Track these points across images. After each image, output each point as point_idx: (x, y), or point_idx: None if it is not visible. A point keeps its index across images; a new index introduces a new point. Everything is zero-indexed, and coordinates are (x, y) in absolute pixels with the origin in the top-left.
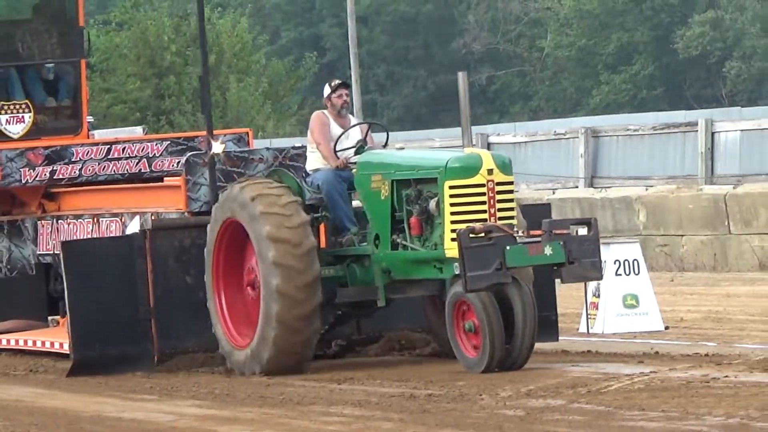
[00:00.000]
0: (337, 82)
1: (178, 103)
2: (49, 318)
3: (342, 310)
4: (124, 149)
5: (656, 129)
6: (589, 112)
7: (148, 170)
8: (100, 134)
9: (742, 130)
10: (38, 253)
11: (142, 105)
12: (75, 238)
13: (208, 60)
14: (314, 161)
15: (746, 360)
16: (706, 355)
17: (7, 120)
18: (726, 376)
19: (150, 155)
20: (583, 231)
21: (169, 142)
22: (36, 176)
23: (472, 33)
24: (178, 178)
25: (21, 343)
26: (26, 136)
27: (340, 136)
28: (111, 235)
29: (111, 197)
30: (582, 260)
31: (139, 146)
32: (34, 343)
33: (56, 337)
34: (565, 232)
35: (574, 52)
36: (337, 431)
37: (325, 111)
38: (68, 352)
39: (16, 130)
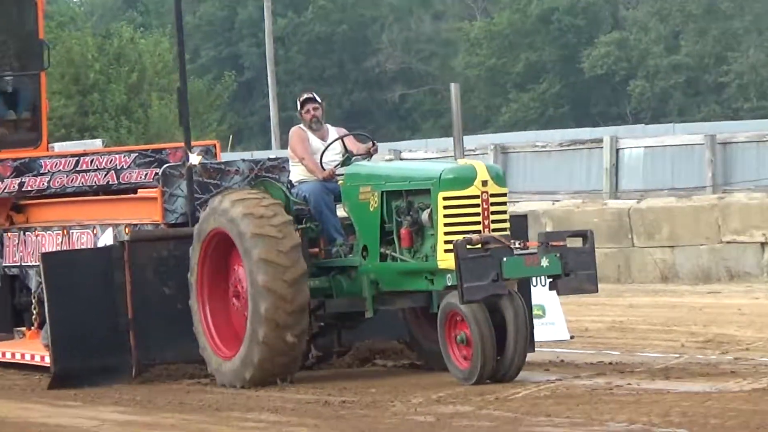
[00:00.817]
0: (305, 96)
1: (102, 119)
2: (15, 329)
3: (324, 321)
4: (92, 161)
5: (563, 145)
6: (498, 129)
7: (116, 182)
8: (60, 147)
9: (645, 147)
10: (4, 265)
11: (67, 122)
12: (44, 249)
13: (131, 78)
14: (298, 173)
15: (648, 368)
16: (610, 363)
17: None
18: (629, 384)
19: (118, 167)
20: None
21: (137, 154)
22: (4, 188)
23: (386, 53)
24: (153, 189)
25: (10, 356)
26: None
27: (324, 151)
28: (82, 246)
29: (82, 209)
30: (578, 272)
31: (107, 158)
32: (13, 355)
33: (29, 349)
34: (561, 243)
35: (484, 71)
36: None
37: (302, 126)
38: (47, 365)
39: None
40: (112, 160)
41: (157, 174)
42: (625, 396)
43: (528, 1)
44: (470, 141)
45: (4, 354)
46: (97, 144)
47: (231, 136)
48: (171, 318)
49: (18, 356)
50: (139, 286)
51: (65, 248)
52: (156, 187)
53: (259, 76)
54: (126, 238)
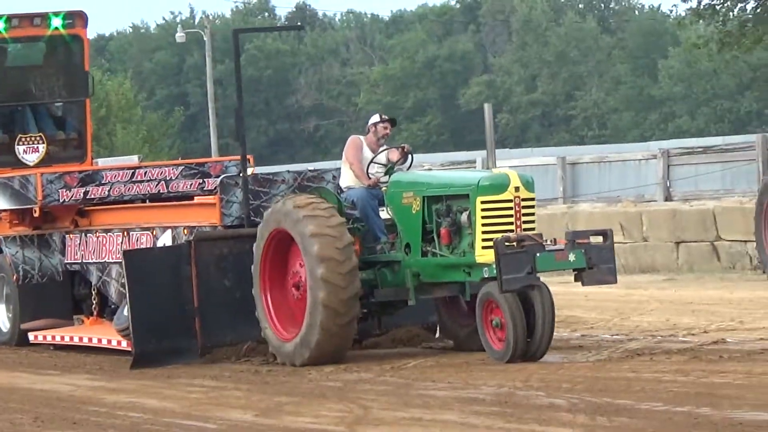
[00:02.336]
0: (388, 117)
1: None
2: (75, 317)
3: (366, 309)
4: (145, 173)
5: (444, 166)
6: None
7: (166, 191)
8: (102, 162)
9: (509, 167)
10: (66, 261)
11: None
12: (105, 249)
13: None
14: (347, 179)
15: None
16: None
17: (24, 150)
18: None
19: (167, 178)
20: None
21: (183, 167)
22: (72, 196)
23: (303, 91)
24: (211, 196)
25: (76, 340)
26: (40, 164)
27: (370, 162)
28: (141, 246)
29: (141, 213)
30: (600, 266)
31: (159, 170)
32: (90, 339)
33: (97, 334)
34: (585, 241)
35: (381, 106)
36: (198, 398)
37: (360, 136)
38: (119, 348)
39: (31, 158)
40: (162, 172)
41: (201, 183)
42: (495, 366)
43: (415, 50)
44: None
45: (81, 339)
46: (134, 159)
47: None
48: (230, 306)
49: (95, 341)
50: (203, 279)
51: (125, 247)
52: (205, 195)
53: (202, 110)
54: (185, 238)
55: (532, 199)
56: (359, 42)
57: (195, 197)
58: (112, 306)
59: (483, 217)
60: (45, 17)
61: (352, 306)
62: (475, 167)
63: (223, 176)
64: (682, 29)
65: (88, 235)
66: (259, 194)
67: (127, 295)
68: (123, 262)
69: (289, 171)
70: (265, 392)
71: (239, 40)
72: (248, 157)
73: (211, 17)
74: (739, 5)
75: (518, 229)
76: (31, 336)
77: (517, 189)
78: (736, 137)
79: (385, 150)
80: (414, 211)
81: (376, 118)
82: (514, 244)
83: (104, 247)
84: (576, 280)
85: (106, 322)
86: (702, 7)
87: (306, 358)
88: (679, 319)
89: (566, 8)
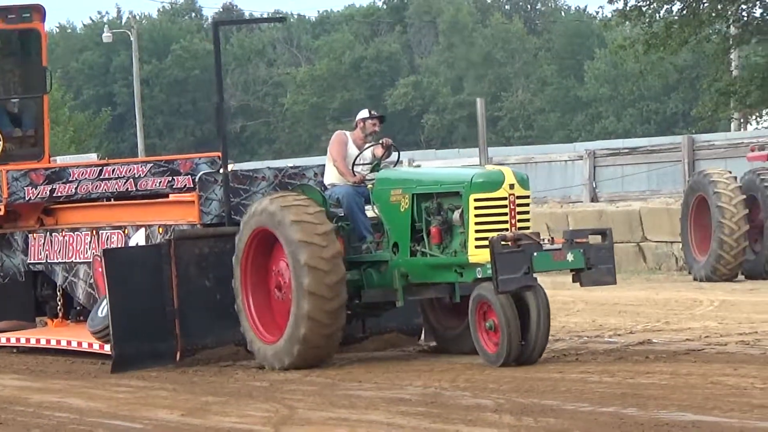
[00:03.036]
0: (376, 114)
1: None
2: (37, 319)
3: (350, 310)
4: (113, 170)
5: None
6: (321, 153)
7: (134, 189)
8: (61, 159)
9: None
10: (28, 262)
11: None
12: (70, 249)
13: None
14: (331, 176)
15: None
16: None
17: None
18: (424, 356)
19: (136, 176)
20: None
21: (152, 164)
22: (38, 194)
23: (229, 92)
24: (188, 194)
25: (54, 343)
26: None
27: (357, 157)
28: (112, 245)
29: (110, 212)
30: (599, 266)
31: (127, 168)
32: (58, 342)
33: (73, 336)
34: (584, 240)
35: (308, 107)
36: (125, 398)
37: (346, 132)
38: (94, 351)
39: None
40: (130, 169)
41: (170, 181)
42: (421, 366)
43: (342, 51)
44: (299, 162)
45: (49, 341)
46: (92, 157)
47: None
48: (211, 308)
49: (64, 343)
50: (184, 279)
51: (94, 248)
52: (175, 193)
53: (129, 110)
54: (160, 237)
55: (527, 197)
56: (286, 42)
57: (170, 195)
58: (78, 308)
59: (476, 216)
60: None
61: (337, 317)
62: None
63: (201, 173)
64: (609, 31)
65: (53, 234)
66: (238, 191)
67: (107, 295)
68: (102, 261)
69: (269, 168)
70: (191, 392)
71: (219, 32)
72: (218, 154)
73: (137, 17)
74: (665, 7)
75: (513, 228)
76: None
77: (511, 186)
78: (661, 138)
79: (370, 146)
80: (402, 209)
81: (364, 113)
82: (510, 243)
83: (71, 247)
84: (574, 280)
85: (71, 324)
86: (628, 8)
87: (286, 364)
88: (605, 319)
89: (492, 9)
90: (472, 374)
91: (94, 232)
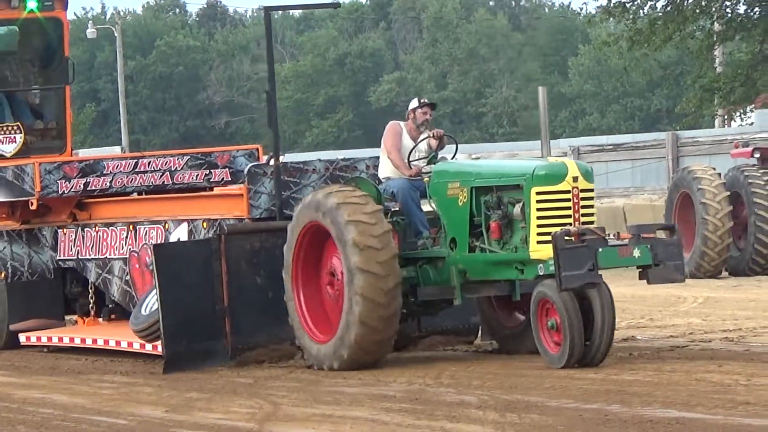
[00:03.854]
0: (426, 100)
1: None
2: (67, 317)
3: (405, 309)
4: (149, 163)
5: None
6: (304, 149)
7: (171, 182)
8: (83, 153)
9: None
10: (57, 258)
11: None
12: (104, 244)
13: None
14: (386, 169)
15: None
16: None
17: (0, 140)
18: (408, 352)
19: (172, 169)
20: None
21: (189, 157)
22: (71, 187)
23: (214, 88)
24: (236, 187)
25: (78, 341)
26: (17, 155)
27: (412, 149)
28: (150, 241)
29: (148, 206)
30: (667, 263)
31: (163, 160)
32: (106, 341)
33: (106, 336)
34: (651, 235)
35: (292, 103)
36: (109, 394)
37: (400, 122)
38: (130, 350)
39: (8, 149)
40: (167, 162)
41: (207, 174)
42: (405, 362)
43: (326, 47)
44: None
45: (84, 340)
46: (116, 151)
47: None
48: (262, 305)
49: (100, 342)
50: (234, 275)
51: (130, 243)
52: (212, 186)
53: (114, 106)
54: (204, 232)
55: (591, 190)
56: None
57: (214, 188)
58: (110, 305)
59: (538, 210)
60: None
61: (391, 324)
62: None
63: (250, 165)
64: (593, 27)
65: (85, 229)
66: (288, 185)
67: (158, 292)
68: (152, 257)
69: (320, 160)
70: (175, 388)
71: (270, 17)
72: (257, 146)
73: (122, 13)
74: (649, 3)
75: (576, 223)
76: (22, 338)
77: (575, 179)
78: (646, 135)
79: (426, 138)
80: (460, 204)
81: (414, 103)
82: (575, 238)
83: (105, 242)
84: (641, 278)
85: (104, 323)
86: (612, 5)
87: (344, 360)
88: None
89: (477, 5)
90: (456, 371)
91: (131, 227)
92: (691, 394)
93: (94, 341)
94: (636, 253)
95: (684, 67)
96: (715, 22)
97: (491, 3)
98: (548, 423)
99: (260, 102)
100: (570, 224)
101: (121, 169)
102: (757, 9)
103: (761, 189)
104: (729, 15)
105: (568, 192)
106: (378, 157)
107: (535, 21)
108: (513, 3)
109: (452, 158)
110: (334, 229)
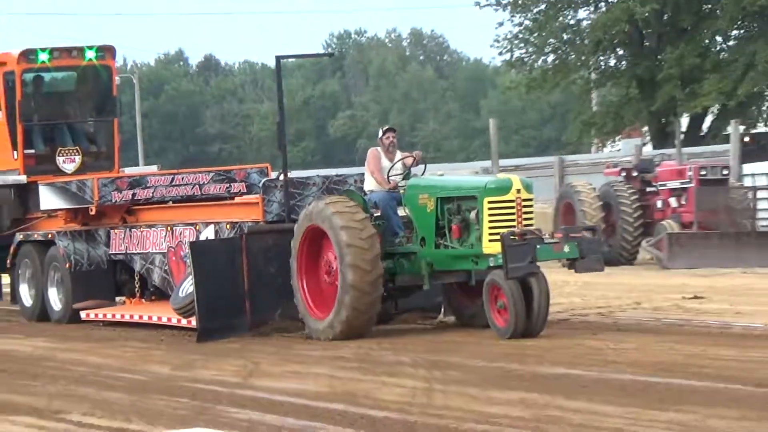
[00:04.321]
0: (387, 127)
1: None
2: (117, 298)
3: (386, 293)
4: (182, 178)
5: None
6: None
7: (199, 193)
8: (129, 170)
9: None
10: (110, 252)
11: None
12: (147, 241)
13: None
14: (370, 184)
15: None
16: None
17: (63, 161)
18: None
19: (201, 183)
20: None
21: (214, 173)
22: (122, 197)
23: (209, 122)
24: (253, 196)
25: (127, 317)
26: (76, 172)
27: (390, 168)
28: (184, 239)
29: (183, 212)
30: (590, 256)
31: (193, 176)
32: (150, 317)
33: (150, 312)
34: (578, 235)
35: (270, 133)
36: (130, 356)
37: (378, 148)
38: (177, 325)
39: (69, 167)
40: (196, 177)
41: (228, 187)
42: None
43: (296, 91)
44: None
45: (132, 316)
46: (153, 169)
47: None
48: (274, 290)
49: (146, 318)
50: (253, 266)
51: (168, 241)
52: (234, 197)
53: (133, 137)
54: (227, 232)
55: (531, 200)
56: (252, 84)
57: (235, 197)
58: (151, 289)
59: (490, 215)
60: (81, 50)
61: (376, 286)
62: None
63: (264, 180)
64: (499, 76)
65: (132, 230)
66: (293, 195)
67: (194, 279)
68: (189, 251)
69: (318, 175)
70: (179, 351)
71: (280, 64)
72: (267, 165)
73: (139, 65)
74: (542, 58)
75: (519, 225)
76: (83, 314)
77: (518, 191)
78: (538, 158)
79: (401, 159)
80: (429, 210)
81: (380, 132)
82: (518, 237)
83: (148, 240)
84: (570, 268)
85: (146, 303)
86: (514, 59)
87: (337, 333)
88: None
89: (410, 59)
90: (395, 338)
91: (169, 228)
92: (573, 355)
93: (141, 317)
94: (566, 248)
95: (568, 106)
96: (592, 72)
97: (421, 58)
98: (465, 377)
99: (245, 134)
100: (514, 227)
101: (161, 183)
102: (624, 62)
103: (626, 199)
104: (602, 67)
105: (513, 201)
106: (362, 174)
107: (454, 71)
108: (438, 57)
109: (422, 175)
110: (332, 232)
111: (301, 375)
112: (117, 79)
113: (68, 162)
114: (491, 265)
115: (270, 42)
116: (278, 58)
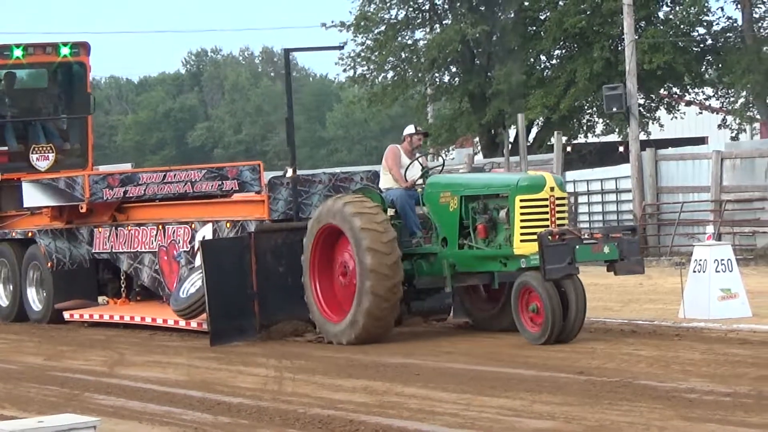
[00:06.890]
0: (420, 129)
1: None
2: (99, 298)
3: (402, 295)
4: (175, 175)
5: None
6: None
7: (192, 191)
8: (103, 168)
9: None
10: (93, 251)
11: None
12: (135, 240)
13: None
14: (387, 182)
15: None
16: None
17: (37, 158)
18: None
19: (193, 180)
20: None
21: (206, 170)
22: (113, 194)
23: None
24: (259, 194)
25: (117, 318)
26: (49, 170)
27: (407, 167)
28: (177, 238)
29: (176, 210)
30: (630, 258)
31: (185, 173)
32: (143, 318)
33: (139, 313)
34: (618, 235)
35: (133, 143)
36: (2, 347)
37: (398, 145)
38: (178, 327)
39: (43, 165)
40: (188, 174)
41: (220, 185)
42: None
43: (157, 104)
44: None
45: (122, 317)
46: (127, 167)
47: None
48: (283, 290)
49: (138, 319)
50: (262, 266)
51: (159, 240)
52: (224, 194)
53: None
54: (227, 231)
55: (564, 198)
56: (117, 98)
57: (234, 195)
58: (137, 289)
59: (522, 214)
60: (55, 46)
61: (395, 293)
62: None
63: (270, 177)
64: (343, 91)
65: (118, 228)
66: (300, 192)
67: (204, 279)
68: (200, 251)
69: (324, 173)
70: (51, 342)
71: (290, 57)
72: (258, 162)
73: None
74: (382, 75)
75: (553, 225)
76: (66, 315)
77: (552, 189)
78: (378, 166)
79: (419, 157)
80: (451, 209)
81: (411, 129)
82: (556, 237)
83: (137, 239)
84: (609, 270)
85: (132, 303)
86: (356, 75)
87: (353, 338)
88: None
89: (262, 75)
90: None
91: (160, 226)
92: (412, 346)
93: (132, 318)
94: (606, 249)
95: (407, 119)
96: (428, 88)
97: (272, 74)
98: (312, 366)
99: (111, 143)
100: (548, 226)
101: (153, 180)
102: (457, 79)
103: None
104: (437, 83)
105: (546, 200)
106: (369, 171)
107: (302, 86)
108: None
109: (440, 173)
110: (351, 233)
111: (162, 364)
112: (91, 76)
113: (42, 159)
114: (523, 266)
115: (133, 59)
116: (287, 51)
